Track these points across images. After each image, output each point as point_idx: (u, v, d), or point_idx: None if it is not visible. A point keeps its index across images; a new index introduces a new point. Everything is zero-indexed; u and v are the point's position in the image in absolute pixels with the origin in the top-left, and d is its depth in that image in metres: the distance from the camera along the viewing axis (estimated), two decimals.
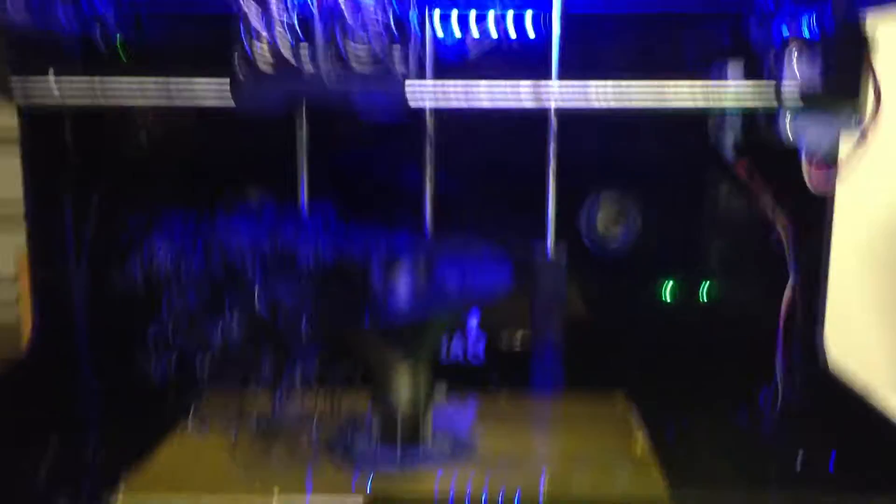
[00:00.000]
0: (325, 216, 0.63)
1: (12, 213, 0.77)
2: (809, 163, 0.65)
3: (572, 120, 0.70)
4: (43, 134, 0.77)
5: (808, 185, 0.65)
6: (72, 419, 0.75)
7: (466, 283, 0.59)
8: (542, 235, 0.73)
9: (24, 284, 0.81)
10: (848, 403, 0.66)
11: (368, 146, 0.79)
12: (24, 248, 0.77)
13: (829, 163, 0.65)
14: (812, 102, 0.64)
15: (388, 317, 0.59)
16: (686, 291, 0.83)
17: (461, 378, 0.76)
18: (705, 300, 0.83)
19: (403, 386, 0.63)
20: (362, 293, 0.59)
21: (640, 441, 0.67)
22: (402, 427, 0.63)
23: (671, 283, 0.83)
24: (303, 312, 0.60)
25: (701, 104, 0.65)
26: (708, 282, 0.83)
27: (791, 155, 0.67)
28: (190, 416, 0.66)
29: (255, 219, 0.62)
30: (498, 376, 0.80)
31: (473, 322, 0.81)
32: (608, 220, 0.81)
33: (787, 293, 0.70)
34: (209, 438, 0.66)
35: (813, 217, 0.71)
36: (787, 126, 0.65)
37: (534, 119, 0.70)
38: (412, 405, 0.63)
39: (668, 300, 0.83)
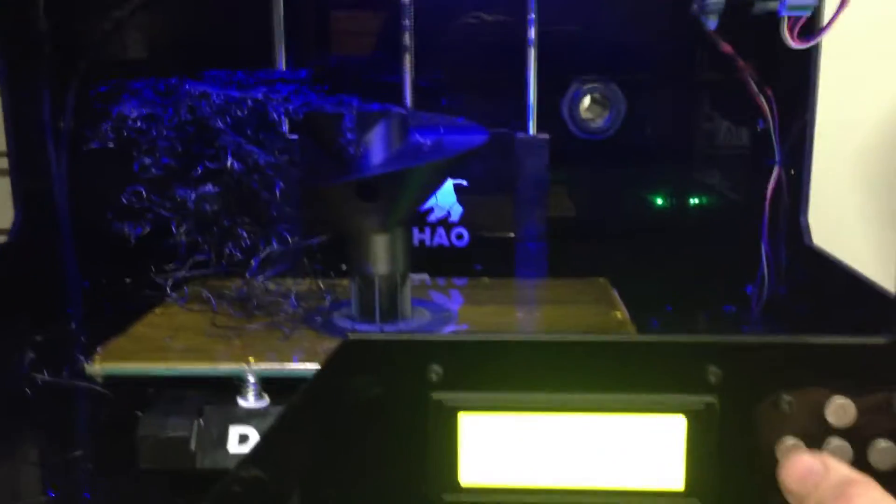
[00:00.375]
0: (302, 82, 0.62)
1: None
2: (790, 27, 0.64)
3: None
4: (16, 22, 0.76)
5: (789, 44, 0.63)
6: (54, 303, 0.76)
7: (442, 139, 0.58)
8: (524, 123, 0.72)
9: None
10: (832, 275, 0.66)
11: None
12: None
13: (811, 26, 0.64)
14: None
15: (364, 173, 0.58)
16: (672, 178, 0.82)
17: (445, 263, 0.76)
18: (691, 187, 0.82)
19: (381, 253, 0.62)
20: (338, 151, 0.58)
21: (620, 314, 0.66)
22: (381, 296, 0.63)
23: (657, 170, 0.82)
24: (278, 174, 0.59)
25: None
26: (694, 168, 0.82)
27: (774, 23, 0.65)
28: (169, 291, 0.65)
29: (233, 84, 0.61)
30: (482, 264, 0.80)
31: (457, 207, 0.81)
32: (591, 105, 0.80)
33: (774, 172, 0.69)
34: (188, 313, 0.66)
35: (797, 90, 0.70)
36: None
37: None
38: (390, 273, 0.63)
39: (654, 188, 0.82)
